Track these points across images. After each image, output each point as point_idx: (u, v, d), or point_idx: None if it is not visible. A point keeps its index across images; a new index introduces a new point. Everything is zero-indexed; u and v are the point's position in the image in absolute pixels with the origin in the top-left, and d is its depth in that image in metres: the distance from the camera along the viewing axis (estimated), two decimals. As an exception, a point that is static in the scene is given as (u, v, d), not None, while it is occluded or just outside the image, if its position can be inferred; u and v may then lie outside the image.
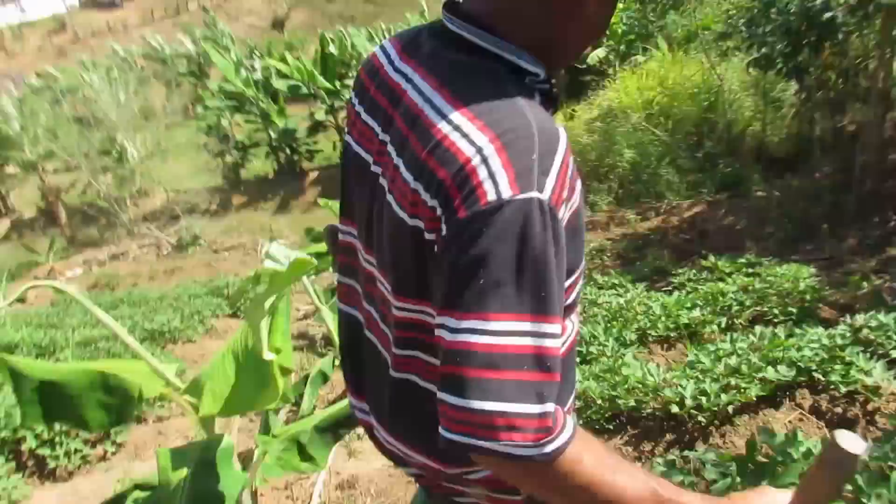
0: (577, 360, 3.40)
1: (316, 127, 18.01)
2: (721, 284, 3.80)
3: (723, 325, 3.62)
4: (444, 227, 0.81)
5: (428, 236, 0.84)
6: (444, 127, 0.83)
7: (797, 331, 2.90)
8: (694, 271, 4.62)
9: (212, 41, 17.61)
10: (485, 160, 0.78)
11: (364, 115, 1.02)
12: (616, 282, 4.72)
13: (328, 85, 17.22)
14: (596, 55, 13.39)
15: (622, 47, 12.85)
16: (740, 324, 3.62)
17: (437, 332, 0.81)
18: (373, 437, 1.14)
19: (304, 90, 17.35)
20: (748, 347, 2.82)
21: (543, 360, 0.77)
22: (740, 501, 0.88)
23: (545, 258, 0.77)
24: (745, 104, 9.62)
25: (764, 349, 2.73)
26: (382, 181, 0.94)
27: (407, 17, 20.28)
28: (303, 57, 19.77)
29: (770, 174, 8.26)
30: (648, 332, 3.63)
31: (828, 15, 4.44)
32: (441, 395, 0.79)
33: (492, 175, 0.77)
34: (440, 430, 0.79)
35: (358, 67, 1.34)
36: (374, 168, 0.98)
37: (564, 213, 0.82)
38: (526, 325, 0.76)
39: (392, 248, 0.92)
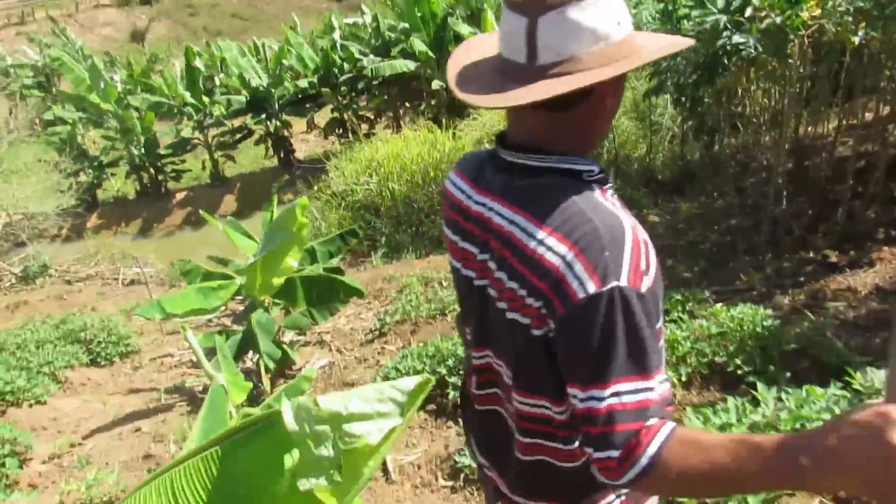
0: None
1: (183, 144, 16.49)
2: (675, 331, 3.34)
3: (683, 379, 3.17)
4: (550, 322, 1.02)
5: (536, 332, 1.05)
6: (531, 244, 1.03)
7: (782, 397, 2.43)
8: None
9: (63, 52, 15.59)
10: (569, 266, 0.98)
11: (462, 244, 1.22)
12: None
13: (194, 101, 15.83)
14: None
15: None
16: (699, 373, 3.19)
17: (585, 403, 0.96)
18: (496, 491, 1.31)
19: (169, 106, 15.84)
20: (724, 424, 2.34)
21: (660, 404, 0.96)
22: (832, 431, 0.79)
23: (639, 330, 0.94)
24: (628, 128, 9.62)
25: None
26: (490, 291, 1.14)
27: (283, 28, 19.16)
28: (167, 70, 18.18)
29: (659, 198, 8.20)
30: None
31: (737, 39, 4.16)
32: (603, 454, 0.94)
33: (577, 277, 0.96)
34: (607, 480, 0.96)
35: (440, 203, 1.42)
36: (477, 282, 1.18)
37: (646, 284, 0.97)
38: (644, 384, 0.95)
39: (506, 346, 1.14)
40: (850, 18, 4.01)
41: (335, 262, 5.50)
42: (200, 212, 5.89)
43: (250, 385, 2.93)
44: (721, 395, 3.06)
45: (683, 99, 6.39)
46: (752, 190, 6.97)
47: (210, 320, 7.26)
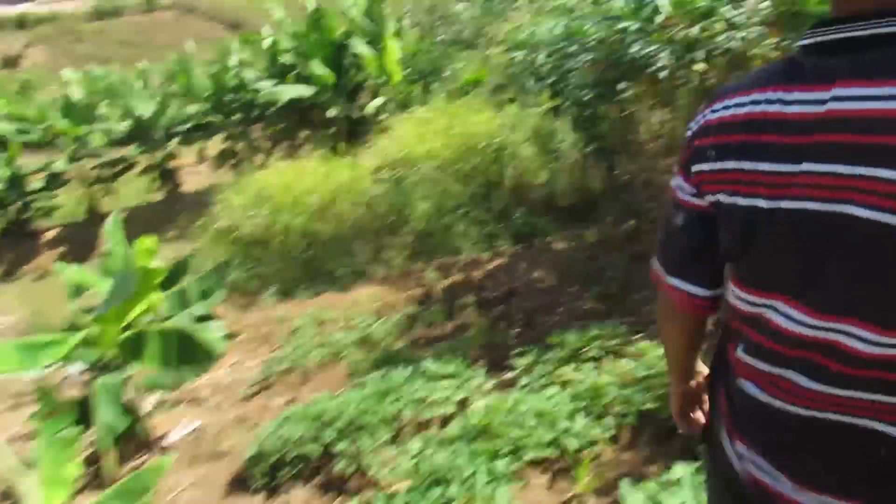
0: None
1: (55, 178, 14.97)
2: (601, 377, 2.86)
3: (611, 433, 2.68)
4: None
5: None
6: None
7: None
8: (536, 351, 3.67)
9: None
10: None
11: (784, 167, 0.88)
12: (450, 370, 3.60)
13: (69, 130, 14.45)
14: (374, 105, 12.68)
15: (401, 96, 12.26)
16: (629, 427, 2.72)
17: None
18: None
19: (40, 136, 14.37)
20: None
21: None
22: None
23: None
24: (528, 154, 9.36)
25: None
26: (855, 210, 0.81)
27: (171, 57, 18.02)
28: (40, 98, 16.64)
29: (561, 224, 7.92)
30: (521, 452, 2.57)
31: (643, 50, 3.84)
32: None
33: None
34: None
35: (691, 141, 1.04)
36: (825, 208, 0.84)
37: None
38: None
39: (876, 277, 0.81)
40: (757, 33, 3.76)
41: (211, 303, 4.79)
42: (55, 265, 4.98)
43: (76, 475, 2.30)
44: (655, 452, 2.60)
45: (583, 117, 6.08)
46: (659, 215, 6.77)
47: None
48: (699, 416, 1.26)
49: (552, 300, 5.67)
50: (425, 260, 7.73)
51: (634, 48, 3.94)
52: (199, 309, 4.65)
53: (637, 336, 3.67)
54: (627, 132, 7.50)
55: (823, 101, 0.84)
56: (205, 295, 4.76)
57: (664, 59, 3.93)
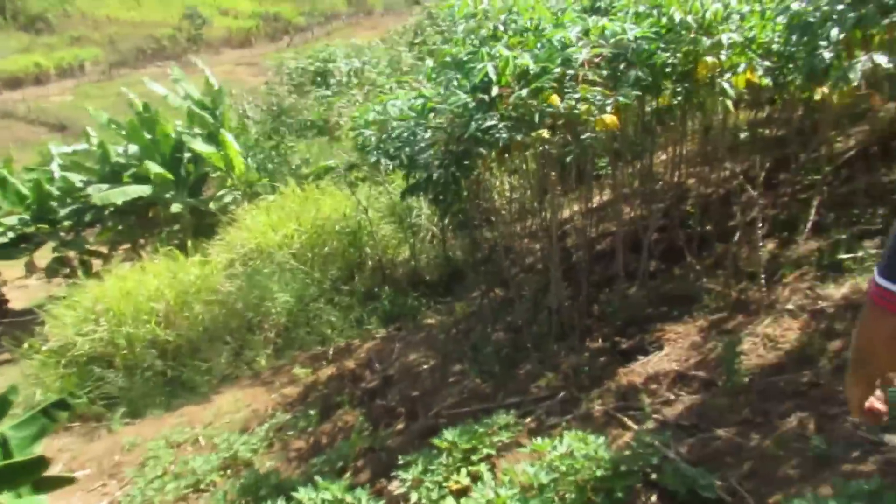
0: None
1: None
2: (500, 489, 2.52)
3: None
4: None
5: None
6: None
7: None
8: (423, 458, 3.26)
9: None
10: None
11: None
12: (328, 497, 3.06)
13: None
14: (219, 197, 12.09)
15: (247, 188, 11.73)
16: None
17: None
18: None
19: None
20: None
21: None
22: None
23: None
24: (387, 232, 9.13)
25: None
26: None
27: None
28: None
29: (431, 300, 7.69)
30: None
31: (483, 124, 3.72)
32: None
33: None
34: None
35: None
36: None
37: None
38: None
39: None
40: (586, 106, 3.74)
41: (37, 449, 4.00)
42: None
43: None
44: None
45: (440, 196, 5.95)
46: (527, 281, 6.71)
47: None
48: (880, 407, 1.40)
49: (433, 385, 5.33)
50: (292, 355, 7.16)
51: (474, 123, 3.81)
52: (26, 456, 3.86)
53: (529, 420, 3.41)
54: (482, 202, 7.50)
55: None
56: (33, 440, 3.98)
57: (503, 129, 3.82)
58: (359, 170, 9.48)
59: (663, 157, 7.40)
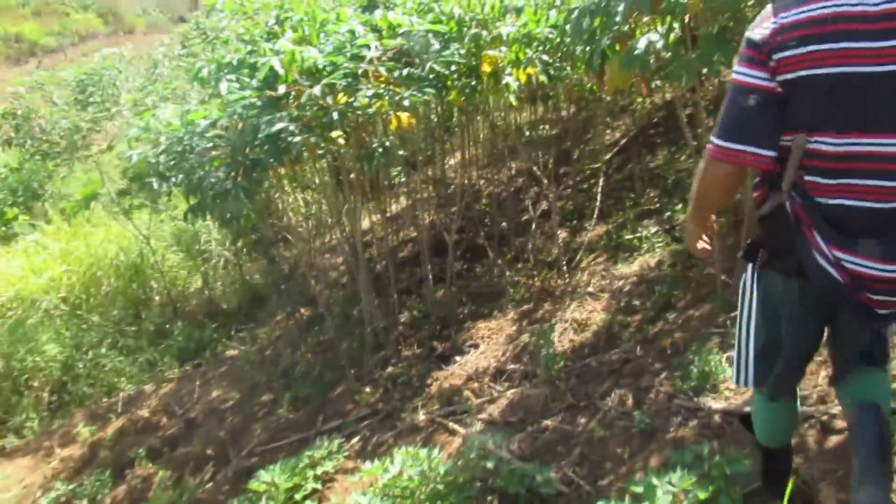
0: None
1: None
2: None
3: None
4: None
5: None
6: None
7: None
8: (240, 502, 2.84)
9: None
10: None
11: (867, 43, 1.22)
12: None
13: None
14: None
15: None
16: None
17: None
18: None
19: None
20: None
21: None
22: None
23: None
24: (175, 262, 8.26)
25: None
26: None
27: None
28: None
29: (231, 329, 7.04)
30: None
31: (271, 128, 3.35)
32: None
33: None
34: None
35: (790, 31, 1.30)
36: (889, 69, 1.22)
37: None
38: None
39: None
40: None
41: None
42: None
43: None
44: None
45: (229, 216, 5.40)
46: (334, 297, 6.38)
47: None
48: (707, 246, 1.72)
49: (242, 421, 4.81)
50: (71, 413, 6.13)
51: (264, 126, 3.41)
52: None
53: (355, 441, 3.12)
54: (275, 220, 7.04)
55: None
56: None
57: (295, 131, 3.47)
58: (134, 196, 8.47)
59: (452, 161, 7.52)
